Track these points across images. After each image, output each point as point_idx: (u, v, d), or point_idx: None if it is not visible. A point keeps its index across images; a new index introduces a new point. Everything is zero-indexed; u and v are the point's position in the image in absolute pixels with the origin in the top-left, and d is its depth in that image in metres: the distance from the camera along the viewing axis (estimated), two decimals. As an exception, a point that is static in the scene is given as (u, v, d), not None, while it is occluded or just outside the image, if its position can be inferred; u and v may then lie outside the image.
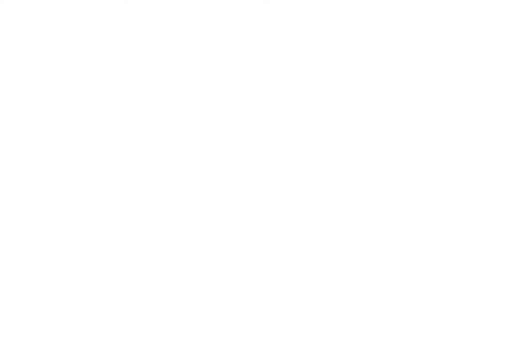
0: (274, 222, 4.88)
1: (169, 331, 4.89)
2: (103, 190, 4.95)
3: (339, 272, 4.84)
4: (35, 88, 5.00)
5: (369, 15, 4.90)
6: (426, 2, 4.87)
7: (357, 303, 4.82)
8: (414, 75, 4.87)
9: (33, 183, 4.97)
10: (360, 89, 4.90)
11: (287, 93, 4.92)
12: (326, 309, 4.83)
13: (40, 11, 5.02)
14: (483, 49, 4.84)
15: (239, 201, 4.90)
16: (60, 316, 4.92)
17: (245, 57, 4.95)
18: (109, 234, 4.93)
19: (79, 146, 4.97)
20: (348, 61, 4.91)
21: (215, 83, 4.95)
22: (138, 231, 4.92)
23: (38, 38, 5.01)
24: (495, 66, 4.84)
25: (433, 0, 4.87)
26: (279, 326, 4.84)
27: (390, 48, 4.89)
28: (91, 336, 4.90)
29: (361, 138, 4.87)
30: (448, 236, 4.80)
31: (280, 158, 4.90)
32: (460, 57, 4.86)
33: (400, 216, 4.82)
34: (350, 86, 4.90)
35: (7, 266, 4.94)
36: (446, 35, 4.87)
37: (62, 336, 4.91)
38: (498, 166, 4.79)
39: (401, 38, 4.88)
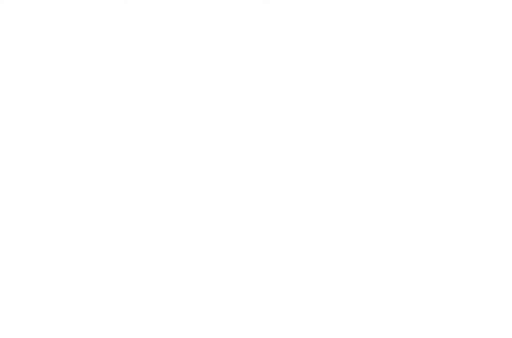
0: (274, 222, 4.88)
1: (169, 331, 4.89)
2: (103, 190, 4.95)
3: (339, 272, 4.84)
4: (35, 88, 5.00)
5: (369, 14, 4.90)
6: (426, 2, 4.87)
7: (357, 302, 4.82)
8: (414, 75, 4.87)
9: (33, 182, 4.97)
10: (360, 89, 4.89)
11: (287, 93, 4.92)
12: (326, 309, 4.83)
13: (40, 11, 5.01)
14: (483, 49, 4.84)
15: (239, 200, 4.90)
16: (60, 315, 4.92)
17: (245, 57, 4.95)
18: (109, 233, 4.93)
19: (79, 146, 4.97)
20: (348, 61, 4.91)
21: (215, 83, 4.95)
22: (138, 230, 4.92)
23: (38, 38, 5.01)
24: (495, 66, 4.84)
25: (433, 0, 4.87)
26: (279, 326, 4.84)
27: (390, 47, 4.89)
28: (91, 336, 4.90)
29: (361, 138, 4.87)
30: (448, 236, 4.80)
31: (280, 158, 4.90)
32: (460, 56, 4.86)
33: (400, 216, 4.82)
34: (349, 86, 4.90)
35: (7, 266, 4.94)
36: (446, 35, 4.87)
37: (62, 336, 4.91)
38: (498, 166, 4.80)
39: (401, 38, 4.88)
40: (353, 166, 4.87)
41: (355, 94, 4.90)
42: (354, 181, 4.86)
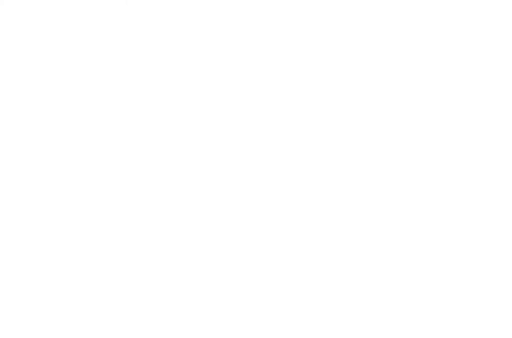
0: (275, 222, 4.88)
1: (169, 331, 4.89)
2: (103, 190, 4.96)
3: (339, 272, 4.84)
4: (35, 89, 5.01)
5: (368, 14, 4.90)
6: (426, 2, 4.87)
7: (357, 303, 4.81)
8: (414, 74, 4.86)
9: (33, 182, 4.97)
10: (359, 89, 4.89)
11: (286, 93, 4.92)
12: (326, 309, 4.83)
13: (40, 11, 5.02)
14: (484, 49, 4.84)
15: (239, 201, 4.90)
16: (60, 316, 4.93)
17: (244, 57, 4.95)
18: (109, 234, 4.94)
19: (79, 146, 4.98)
20: (347, 61, 4.91)
21: (214, 83, 4.96)
22: (138, 231, 4.92)
23: (38, 38, 5.01)
24: (495, 66, 4.83)
25: (433, 0, 4.87)
26: (279, 326, 4.84)
27: (389, 47, 4.89)
28: (91, 336, 4.90)
29: (361, 138, 4.87)
30: (448, 236, 4.80)
31: (279, 158, 4.90)
32: (460, 56, 4.85)
33: (400, 216, 4.82)
34: (349, 86, 4.90)
35: (7, 266, 4.95)
36: (446, 34, 4.86)
37: (62, 336, 4.92)
38: (498, 166, 4.79)
39: (401, 37, 4.88)
40: (354, 166, 4.87)
41: (354, 94, 4.90)
42: (355, 180, 4.86)
